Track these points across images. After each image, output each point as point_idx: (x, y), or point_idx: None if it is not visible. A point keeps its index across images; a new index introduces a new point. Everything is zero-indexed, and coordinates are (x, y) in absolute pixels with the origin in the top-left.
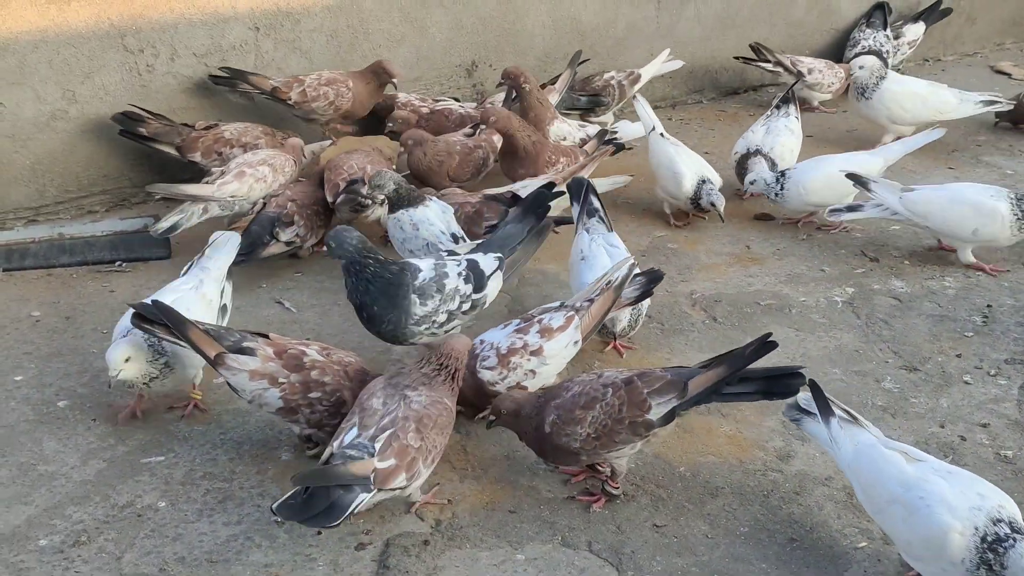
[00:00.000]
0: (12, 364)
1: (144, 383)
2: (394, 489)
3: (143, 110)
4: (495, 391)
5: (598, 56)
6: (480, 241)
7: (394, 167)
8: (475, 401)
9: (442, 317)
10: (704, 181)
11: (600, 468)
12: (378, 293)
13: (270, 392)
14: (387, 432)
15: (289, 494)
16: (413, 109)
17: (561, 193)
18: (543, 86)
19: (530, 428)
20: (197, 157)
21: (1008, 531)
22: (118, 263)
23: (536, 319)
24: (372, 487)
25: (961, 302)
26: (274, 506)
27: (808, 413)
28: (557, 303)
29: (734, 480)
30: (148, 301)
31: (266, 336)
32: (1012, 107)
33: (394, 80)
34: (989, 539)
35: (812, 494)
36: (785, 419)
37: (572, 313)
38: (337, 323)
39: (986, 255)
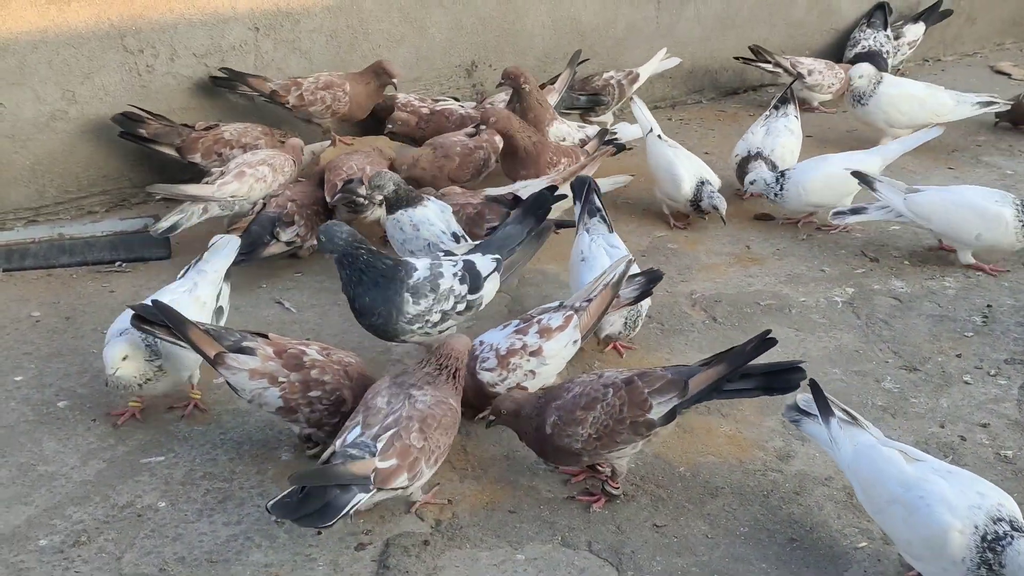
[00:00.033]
0: (12, 364)
1: (139, 383)
2: (395, 489)
3: (143, 111)
4: (495, 392)
5: (598, 56)
6: (479, 242)
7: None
8: (475, 402)
9: (435, 317)
10: (704, 183)
11: (600, 468)
12: (370, 284)
13: (270, 391)
14: (390, 432)
15: (285, 492)
16: (413, 110)
17: (563, 196)
18: (542, 86)
19: (531, 429)
20: (197, 158)
21: (1008, 529)
22: (118, 263)
23: (535, 319)
24: (372, 487)
25: (961, 302)
26: (269, 504)
27: (808, 414)
28: (556, 303)
29: (734, 480)
30: (147, 302)
31: (266, 336)
32: (1011, 107)
33: (394, 80)
34: (989, 538)
35: (812, 494)
36: (785, 419)
37: (571, 313)
38: (337, 323)
39: (986, 255)
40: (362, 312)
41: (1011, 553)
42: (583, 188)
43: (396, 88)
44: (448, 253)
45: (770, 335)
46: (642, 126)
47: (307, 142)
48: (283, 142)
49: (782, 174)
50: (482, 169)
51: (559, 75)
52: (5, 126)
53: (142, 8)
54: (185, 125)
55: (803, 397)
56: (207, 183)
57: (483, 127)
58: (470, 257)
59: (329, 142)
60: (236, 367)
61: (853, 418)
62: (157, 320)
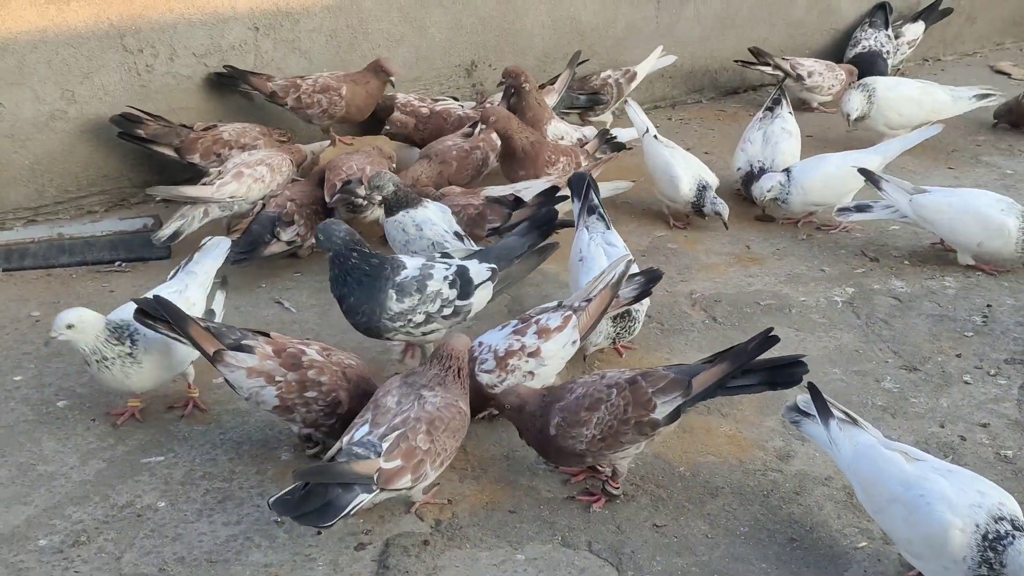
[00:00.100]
0: (12, 364)
1: (97, 360)
2: (398, 489)
3: (141, 111)
4: (493, 394)
5: (597, 56)
6: (480, 248)
7: (394, 165)
8: (474, 403)
9: (419, 317)
10: (706, 188)
11: (601, 468)
12: (355, 284)
13: (267, 390)
14: (397, 432)
15: (287, 489)
16: (412, 110)
17: (566, 197)
18: (542, 86)
19: (534, 428)
20: (196, 158)
21: (1009, 528)
22: (118, 263)
23: (533, 320)
24: (375, 487)
25: (961, 302)
26: (270, 500)
27: (807, 415)
28: (554, 303)
29: (734, 480)
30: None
31: (267, 335)
32: (1011, 108)
33: (392, 78)
34: (990, 537)
35: (812, 494)
36: (785, 420)
37: (570, 313)
38: (336, 323)
39: (986, 259)
40: (348, 312)
41: (1012, 553)
42: (582, 186)
43: (394, 86)
44: (445, 255)
45: (772, 333)
46: (637, 127)
47: (307, 141)
48: (282, 142)
49: (788, 172)
50: (481, 169)
51: (559, 75)
52: (4, 126)
53: (142, 8)
54: (184, 126)
55: (803, 398)
56: (206, 184)
57: (483, 126)
58: (465, 263)
59: (329, 142)
60: (234, 365)
61: (852, 419)
62: (159, 315)
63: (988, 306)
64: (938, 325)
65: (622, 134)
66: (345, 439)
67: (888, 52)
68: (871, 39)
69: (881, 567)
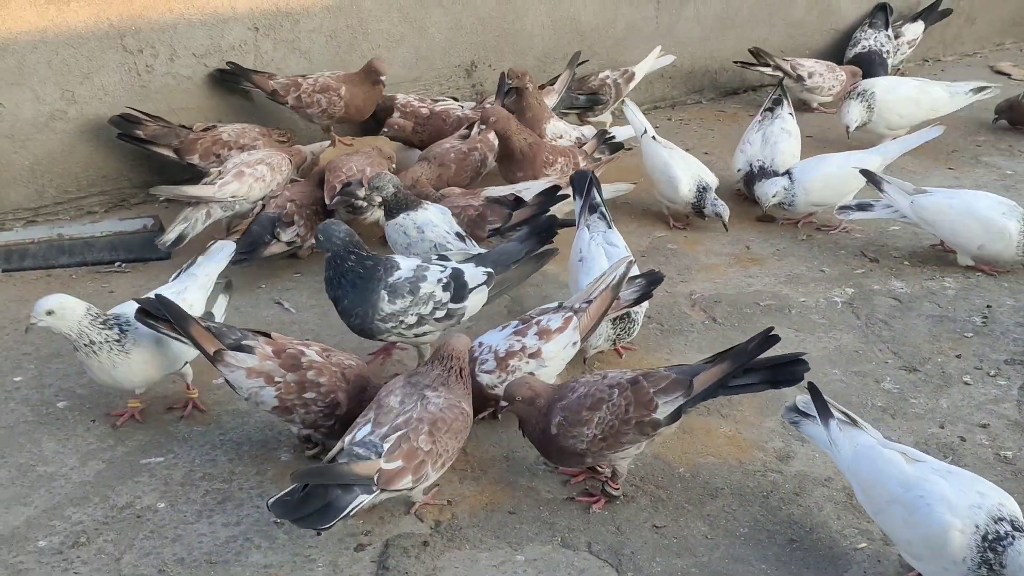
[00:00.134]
0: (11, 365)
1: (85, 344)
2: (399, 490)
3: (140, 112)
4: (494, 394)
5: (597, 56)
6: (478, 252)
7: (393, 166)
8: (474, 403)
9: (411, 319)
10: (706, 189)
11: (601, 469)
12: (349, 287)
13: (266, 391)
14: (398, 432)
15: (286, 491)
16: (412, 111)
17: (567, 196)
18: (542, 87)
19: (536, 425)
20: (195, 159)
21: (1009, 529)
22: (117, 264)
23: (534, 320)
24: (375, 488)
25: (961, 303)
26: (270, 502)
27: (807, 416)
28: (555, 304)
29: (734, 481)
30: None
31: (268, 335)
32: (1011, 107)
33: (382, 79)
34: (990, 537)
35: (812, 495)
36: (784, 420)
37: (570, 314)
38: (336, 323)
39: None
40: (343, 314)
41: (1012, 553)
42: (584, 184)
43: (384, 86)
44: (442, 257)
45: (773, 332)
46: (635, 129)
47: (307, 141)
48: (281, 142)
49: (788, 174)
50: (480, 170)
51: (558, 76)
52: (4, 126)
53: (141, 8)
54: (183, 126)
55: (802, 399)
56: (207, 184)
57: (482, 126)
58: (461, 266)
59: (329, 142)
60: (234, 365)
61: (852, 419)
62: (160, 314)
63: (988, 307)
64: (938, 326)
65: (620, 134)
66: (347, 439)
67: (888, 52)
68: (871, 39)
69: (881, 568)
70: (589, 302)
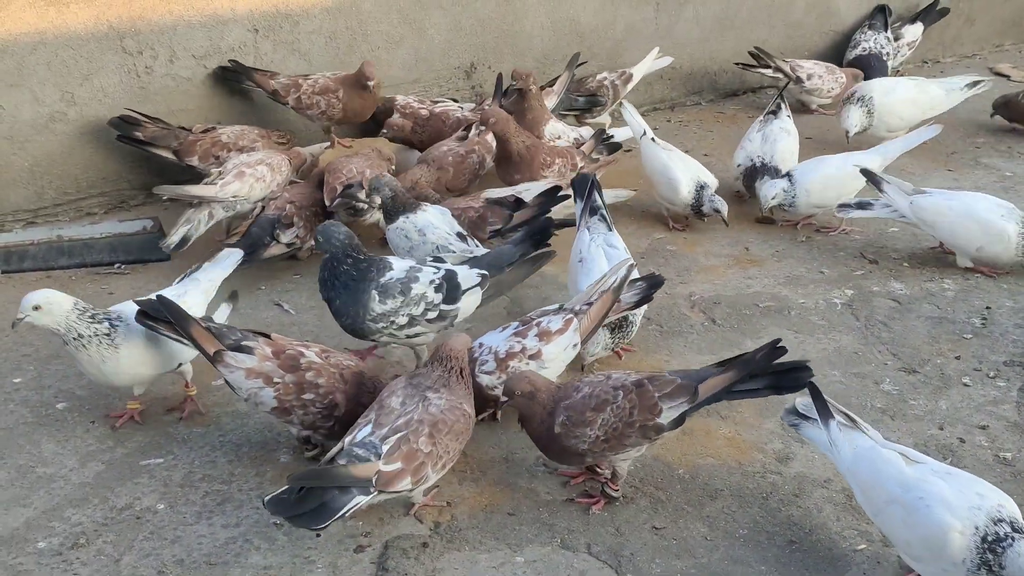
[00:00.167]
0: (11, 366)
1: (73, 338)
2: (398, 492)
3: (140, 114)
4: (493, 395)
5: (597, 58)
6: (474, 256)
7: (393, 167)
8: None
9: (402, 319)
10: (704, 187)
11: (600, 470)
12: (342, 288)
13: (265, 392)
14: (398, 434)
15: (283, 489)
16: (412, 112)
17: (567, 196)
18: (541, 88)
19: (539, 423)
20: (195, 161)
21: (1008, 530)
22: (117, 265)
23: (535, 322)
24: (373, 489)
25: (960, 304)
26: (266, 499)
27: (807, 418)
28: (556, 306)
29: (733, 482)
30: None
31: (268, 336)
32: (1008, 101)
33: (369, 83)
34: (990, 539)
35: (811, 496)
36: (782, 421)
37: (571, 316)
38: (335, 325)
39: (985, 263)
40: (336, 314)
41: (1011, 555)
42: (585, 186)
43: (372, 91)
44: (437, 260)
45: (780, 343)
46: (634, 130)
47: (307, 141)
48: (281, 144)
49: (789, 177)
50: (478, 172)
51: (558, 77)
52: (4, 128)
53: (141, 10)
54: (182, 128)
55: (802, 401)
56: (208, 184)
57: (482, 128)
58: (454, 268)
59: (328, 144)
60: (234, 365)
61: (852, 421)
62: (160, 315)
63: (987, 308)
64: (937, 327)
65: (619, 135)
66: (347, 439)
67: (888, 54)
68: (871, 41)
69: (880, 569)
70: (590, 304)
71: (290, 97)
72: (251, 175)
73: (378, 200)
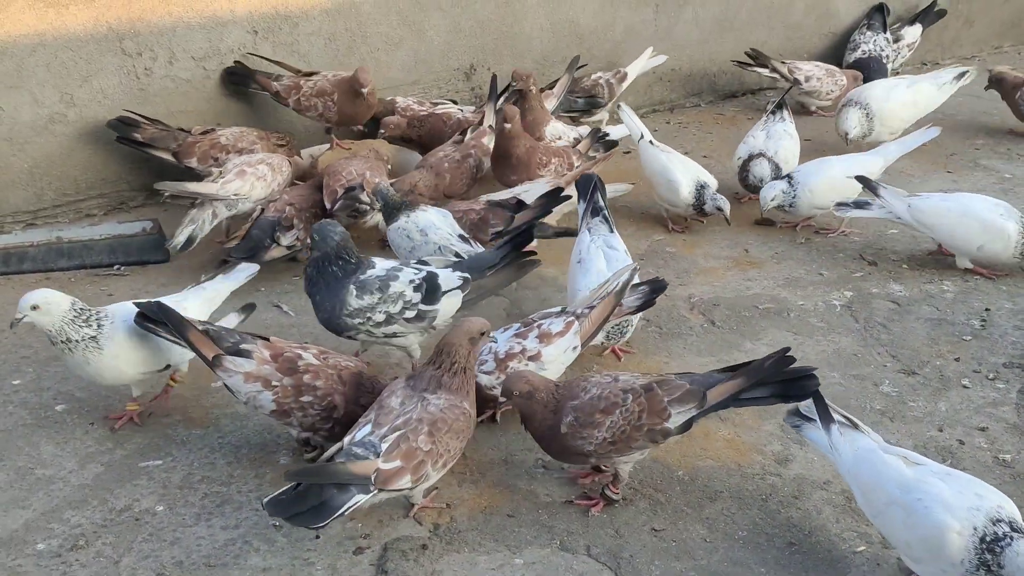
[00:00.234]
0: (10, 368)
1: (62, 341)
2: (398, 490)
3: (139, 115)
4: (493, 395)
5: (596, 59)
6: (457, 259)
7: (389, 167)
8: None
9: (379, 316)
10: (704, 186)
11: (605, 469)
12: (323, 284)
13: (263, 395)
14: (397, 433)
15: (282, 489)
16: (412, 114)
17: (569, 197)
18: (541, 90)
19: (543, 421)
20: (193, 163)
21: (1007, 530)
22: (116, 267)
23: (536, 323)
24: (372, 488)
25: (959, 306)
26: (265, 499)
27: (809, 419)
28: (557, 308)
29: (732, 484)
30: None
31: (267, 339)
32: (1003, 77)
33: (362, 89)
34: (988, 539)
35: (810, 498)
36: (783, 423)
37: (572, 319)
38: None
39: (984, 264)
40: (315, 308)
41: (1010, 554)
42: (588, 187)
43: (364, 97)
44: (422, 262)
45: (789, 352)
46: (632, 133)
47: (308, 142)
48: (280, 146)
49: (789, 179)
50: (476, 176)
51: (557, 80)
52: (3, 129)
53: (140, 11)
54: (181, 129)
55: (805, 403)
56: (210, 182)
57: (506, 124)
58: (436, 270)
59: (327, 146)
60: (232, 370)
61: (853, 423)
62: (158, 318)
63: (987, 310)
64: (936, 329)
65: (614, 132)
66: (347, 439)
67: (887, 56)
68: (870, 42)
69: (880, 571)
70: (591, 307)
71: (291, 99)
72: (252, 174)
73: (379, 203)
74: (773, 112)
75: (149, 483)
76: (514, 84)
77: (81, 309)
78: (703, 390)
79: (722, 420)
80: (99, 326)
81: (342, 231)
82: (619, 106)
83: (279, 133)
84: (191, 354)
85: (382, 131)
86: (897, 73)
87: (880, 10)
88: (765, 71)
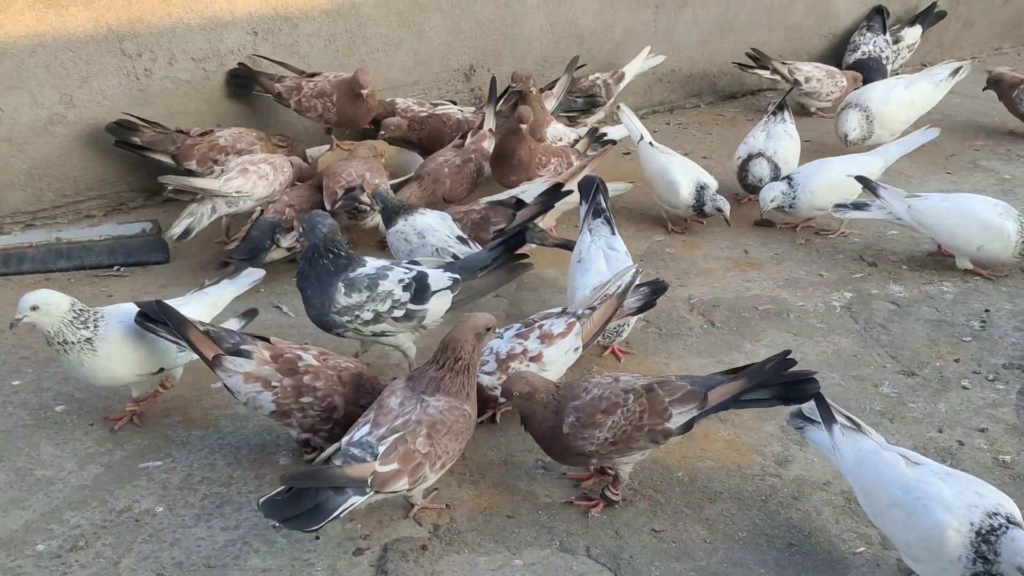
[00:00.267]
0: (10, 369)
1: (59, 343)
2: (394, 492)
3: (137, 118)
4: (493, 395)
5: (596, 60)
6: (450, 261)
7: (383, 160)
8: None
9: (367, 315)
10: (704, 187)
11: (607, 472)
12: (315, 279)
13: (263, 395)
14: (395, 435)
15: (277, 490)
16: (412, 115)
17: (570, 192)
18: (541, 91)
19: (544, 422)
20: (193, 164)
21: (1003, 522)
22: (116, 268)
23: (537, 324)
24: (368, 490)
25: (959, 307)
26: (260, 501)
27: (812, 421)
28: (558, 309)
29: (732, 485)
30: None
31: (267, 340)
32: (1001, 77)
33: (362, 91)
34: (984, 531)
35: (810, 499)
36: (783, 424)
37: (573, 320)
38: None
39: (984, 264)
40: (305, 304)
41: (1005, 540)
42: (591, 189)
43: (364, 99)
44: (413, 262)
45: (790, 355)
46: (632, 134)
47: (308, 143)
48: (282, 146)
49: (789, 180)
50: (476, 181)
51: (556, 80)
52: (3, 130)
53: (140, 12)
54: (180, 131)
55: (807, 404)
56: (213, 178)
57: (522, 125)
58: (427, 270)
59: (327, 147)
60: (232, 370)
61: (856, 425)
62: (159, 318)
63: (986, 311)
64: (936, 330)
65: (612, 132)
66: (345, 439)
67: (887, 58)
68: (870, 44)
69: (879, 572)
70: (593, 308)
71: (292, 100)
72: (255, 172)
73: (379, 205)
74: (774, 113)
75: (149, 484)
76: (514, 85)
77: (80, 310)
78: (704, 391)
79: (722, 421)
80: (95, 327)
81: (331, 222)
82: (619, 107)
83: (279, 135)
84: (185, 359)
85: (382, 132)
86: (896, 74)
87: (880, 11)
88: (766, 73)
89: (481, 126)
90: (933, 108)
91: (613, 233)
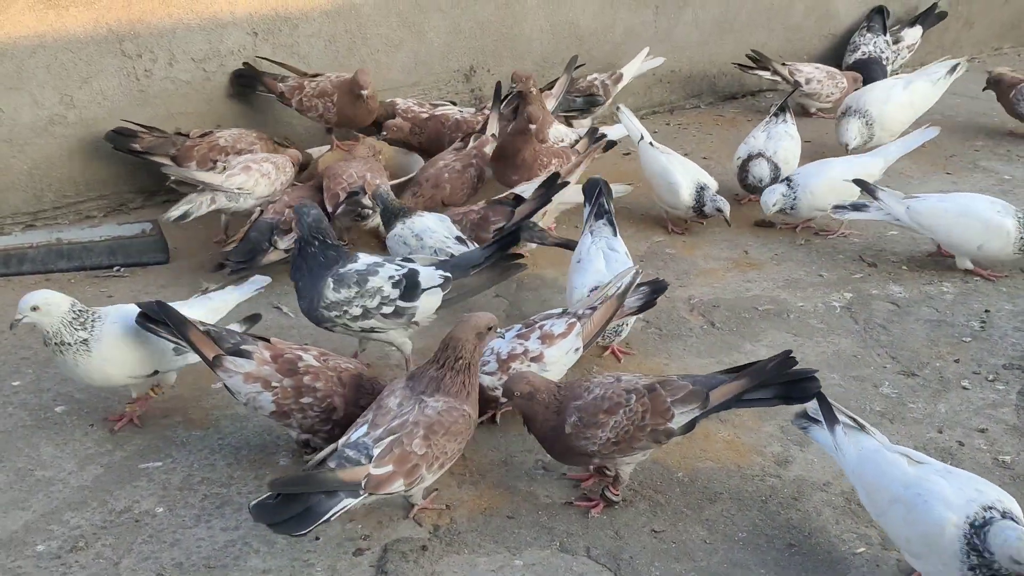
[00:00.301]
0: (10, 369)
1: (56, 343)
2: (390, 493)
3: (135, 124)
4: (494, 396)
5: (595, 61)
6: (443, 259)
7: (380, 156)
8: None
9: (356, 311)
10: (704, 188)
11: (609, 472)
12: (307, 270)
13: (263, 396)
14: (392, 436)
15: (267, 495)
16: (413, 116)
17: (566, 183)
18: (541, 91)
19: (546, 422)
20: (193, 166)
21: (996, 515)
22: (116, 268)
23: (537, 325)
24: (362, 492)
25: (959, 307)
26: (251, 504)
27: (816, 421)
28: (559, 310)
29: (732, 485)
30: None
31: (267, 340)
32: (1000, 78)
33: (362, 92)
34: (977, 524)
35: (810, 499)
36: (783, 424)
37: (574, 320)
38: None
39: (984, 263)
40: (298, 296)
41: (994, 531)
42: (594, 191)
43: (364, 100)
44: (407, 259)
45: (792, 355)
46: (632, 135)
47: (308, 143)
48: (283, 146)
49: (789, 181)
50: (477, 185)
51: (556, 80)
52: (3, 131)
53: (140, 13)
54: (179, 133)
55: (812, 404)
56: (216, 174)
57: (532, 126)
58: (418, 267)
59: (328, 147)
60: (232, 370)
61: (859, 424)
62: (160, 318)
63: (986, 311)
64: (936, 330)
65: (611, 132)
66: (342, 440)
67: (887, 58)
68: (870, 44)
69: (879, 573)
70: (593, 309)
71: (294, 99)
72: (256, 170)
73: (380, 206)
74: (776, 114)
75: (149, 484)
76: (514, 85)
77: (80, 311)
78: (706, 391)
79: (722, 422)
80: (92, 328)
81: (316, 212)
82: (618, 108)
83: (280, 135)
84: (180, 363)
85: (383, 133)
86: (896, 75)
87: (880, 12)
88: (766, 74)
89: (483, 130)
90: (933, 108)
91: (615, 234)
